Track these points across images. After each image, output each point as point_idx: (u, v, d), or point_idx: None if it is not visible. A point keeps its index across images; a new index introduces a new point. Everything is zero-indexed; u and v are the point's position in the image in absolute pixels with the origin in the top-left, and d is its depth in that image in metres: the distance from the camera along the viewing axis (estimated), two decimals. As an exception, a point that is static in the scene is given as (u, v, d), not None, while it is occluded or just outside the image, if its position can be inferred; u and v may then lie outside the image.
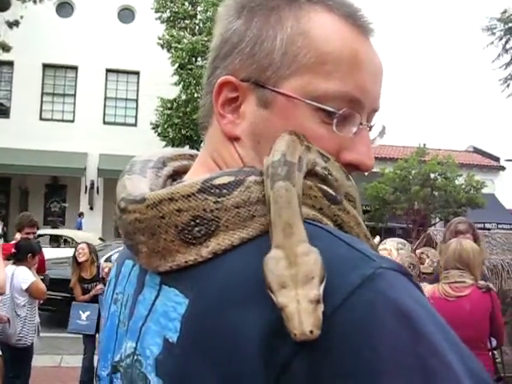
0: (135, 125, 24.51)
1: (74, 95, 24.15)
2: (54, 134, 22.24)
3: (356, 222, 0.73)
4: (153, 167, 0.84)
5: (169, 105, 21.17)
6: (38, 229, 6.34)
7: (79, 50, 22.98)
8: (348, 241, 0.63)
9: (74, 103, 24.11)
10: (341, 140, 0.74)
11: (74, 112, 24.05)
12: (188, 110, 20.63)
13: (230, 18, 0.77)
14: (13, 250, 5.35)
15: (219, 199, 0.64)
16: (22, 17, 20.45)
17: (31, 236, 6.00)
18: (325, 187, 0.71)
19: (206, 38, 20.69)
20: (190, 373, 0.62)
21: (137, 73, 24.48)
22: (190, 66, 20.93)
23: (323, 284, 0.55)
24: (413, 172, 21.90)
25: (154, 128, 21.39)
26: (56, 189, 24.59)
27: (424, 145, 23.49)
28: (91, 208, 22.94)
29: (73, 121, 23.94)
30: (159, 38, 21.52)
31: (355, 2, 0.77)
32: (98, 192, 23.47)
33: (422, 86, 61.92)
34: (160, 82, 21.53)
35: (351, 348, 0.55)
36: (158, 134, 21.37)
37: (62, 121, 23.93)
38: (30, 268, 5.32)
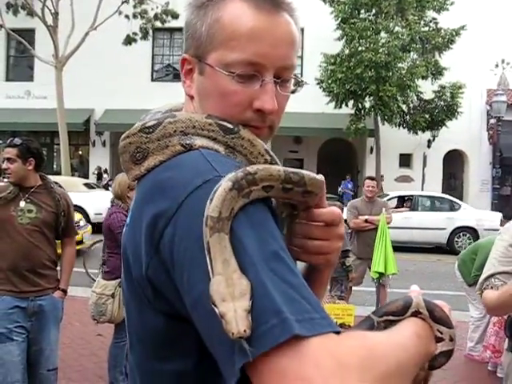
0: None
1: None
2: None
3: (251, 144, 1.00)
4: (162, 113, 1.15)
5: (332, 60, 21.12)
6: None
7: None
8: (210, 159, 0.93)
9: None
10: (250, 92, 1.00)
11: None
12: (351, 64, 20.45)
13: (188, 13, 1.08)
14: None
15: (148, 135, 1.01)
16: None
17: None
18: (223, 123, 1.00)
19: (368, -11, 20.23)
20: (128, 242, 1.01)
21: (301, 29, 24.54)
22: (352, 20, 20.63)
23: (251, 300, 0.77)
24: None
25: (318, 83, 21.50)
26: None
27: None
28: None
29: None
30: (321, -7, 21.46)
31: None
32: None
33: None
34: (323, 37, 21.53)
35: (188, 222, 0.85)
36: (323, 90, 21.49)
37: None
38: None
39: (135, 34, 21.54)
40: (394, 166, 23.94)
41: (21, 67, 27.10)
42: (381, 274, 5.71)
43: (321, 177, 1.00)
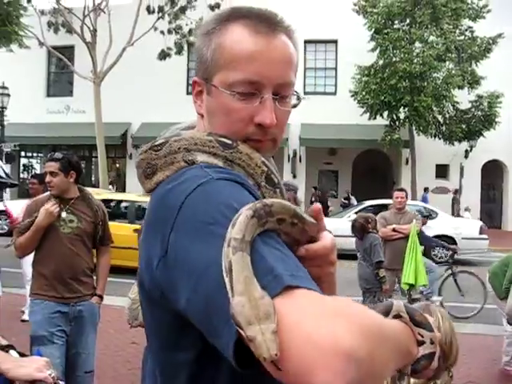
0: (335, 93, 24.86)
1: (276, 69, 25.18)
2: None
3: (249, 157, 1.10)
4: (180, 129, 1.28)
5: (366, 71, 21.08)
6: None
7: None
8: (208, 170, 1.03)
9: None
10: (251, 109, 1.10)
11: (276, 85, 25.11)
12: (385, 75, 20.38)
13: (197, 40, 1.19)
14: None
15: (156, 153, 1.13)
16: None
17: None
18: (222, 139, 1.10)
19: (402, 0, 20.15)
20: (141, 249, 1.09)
21: (335, 41, 24.70)
22: (386, 30, 20.56)
23: (276, 318, 0.79)
24: None
25: (353, 95, 21.48)
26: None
27: None
28: (294, 176, 23.98)
29: (275, 93, 25.01)
30: (354, 4, 21.44)
31: (267, 11, 1.15)
32: (300, 160, 24.45)
33: None
34: (357, 48, 21.51)
35: (186, 221, 0.94)
36: (358, 102, 21.45)
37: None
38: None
39: (170, 48, 21.94)
40: (430, 176, 23.68)
41: (61, 83, 27.84)
42: (411, 286, 5.67)
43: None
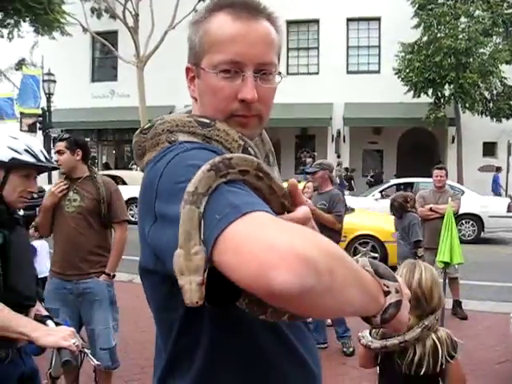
0: (378, 71, 24.43)
1: (317, 48, 25.01)
2: (300, 87, 23.34)
3: (226, 133, 1.19)
4: (183, 112, 1.36)
5: (409, 49, 20.68)
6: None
7: (320, 3, 23.65)
8: (185, 144, 1.15)
9: (318, 56, 24.98)
10: (234, 87, 1.19)
11: (318, 64, 24.95)
12: (429, 52, 19.94)
13: (189, 30, 1.29)
14: None
15: (144, 136, 1.25)
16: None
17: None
18: (201, 119, 1.21)
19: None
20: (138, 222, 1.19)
21: (378, 19, 24.20)
22: (430, 6, 20.09)
23: (206, 271, 0.91)
24: None
25: (396, 73, 21.12)
26: (305, 139, 26.04)
27: None
28: (338, 156, 23.82)
29: (317, 73, 24.86)
30: (397, -20, 21.02)
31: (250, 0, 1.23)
32: (344, 140, 24.25)
33: None
34: (401, 25, 21.11)
35: (164, 184, 1.06)
36: (401, 79, 21.08)
37: (308, 74, 25.03)
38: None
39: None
40: (477, 155, 23.12)
41: (105, 68, 28.26)
42: (446, 264, 5.61)
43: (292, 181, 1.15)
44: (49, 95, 21.24)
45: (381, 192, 15.28)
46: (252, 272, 0.83)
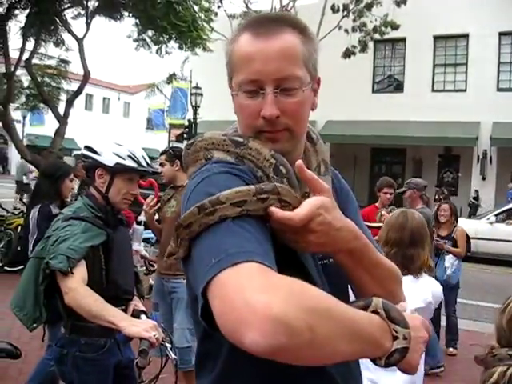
0: (530, 89, 22.85)
1: (466, 64, 23.85)
2: (446, 104, 22.46)
3: (258, 152, 1.23)
4: (234, 127, 1.42)
5: None
6: (394, 190, 6.54)
7: (469, 18, 22.50)
8: (215, 165, 1.22)
9: (466, 72, 23.82)
10: (257, 105, 1.23)
11: (465, 81, 23.77)
12: None
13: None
14: None
15: (188, 151, 1.35)
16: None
17: (388, 196, 6.43)
18: (235, 138, 1.27)
19: None
20: None
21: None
22: None
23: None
24: None
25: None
26: (449, 159, 24.87)
27: None
28: (483, 178, 22.57)
29: (465, 90, 23.68)
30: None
31: (273, 13, 1.31)
32: (490, 162, 22.91)
33: None
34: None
35: (191, 199, 1.16)
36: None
37: (454, 91, 23.95)
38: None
39: (354, 47, 21.83)
40: None
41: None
42: None
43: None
44: (195, 108, 22.26)
45: (496, 215, 14.40)
46: (229, 325, 0.92)
